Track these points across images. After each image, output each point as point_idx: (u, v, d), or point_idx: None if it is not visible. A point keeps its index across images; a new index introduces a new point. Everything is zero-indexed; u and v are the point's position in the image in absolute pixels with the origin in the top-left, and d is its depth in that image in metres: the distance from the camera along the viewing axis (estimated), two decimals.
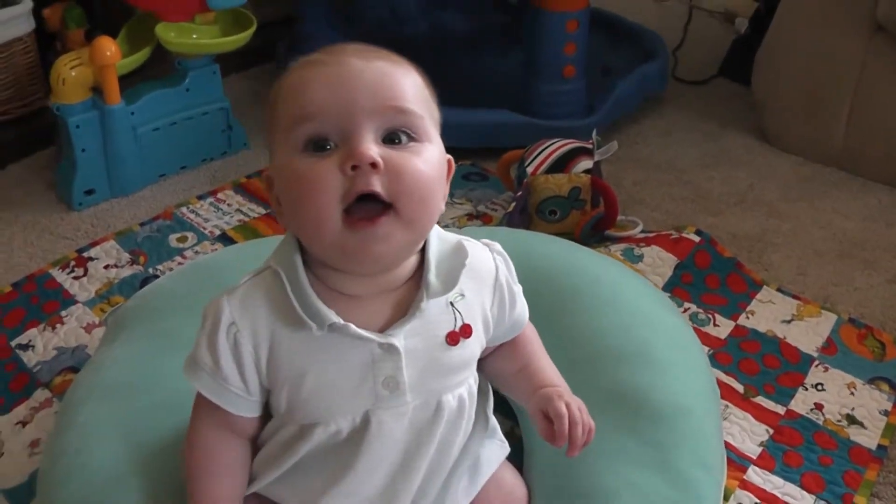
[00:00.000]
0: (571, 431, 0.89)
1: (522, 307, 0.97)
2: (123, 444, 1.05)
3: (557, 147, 1.67)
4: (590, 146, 1.67)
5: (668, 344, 1.19)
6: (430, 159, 0.83)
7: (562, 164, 1.64)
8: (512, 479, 1.05)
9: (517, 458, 1.08)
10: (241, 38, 1.84)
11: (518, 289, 0.95)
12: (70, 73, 1.73)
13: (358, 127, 0.80)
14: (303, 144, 0.81)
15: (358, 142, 0.79)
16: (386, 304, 0.86)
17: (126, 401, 1.11)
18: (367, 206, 0.80)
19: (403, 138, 0.82)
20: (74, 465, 1.04)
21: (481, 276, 0.92)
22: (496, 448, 1.02)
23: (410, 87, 0.83)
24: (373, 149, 0.79)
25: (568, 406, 0.89)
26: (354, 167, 0.78)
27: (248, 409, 0.89)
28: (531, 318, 1.00)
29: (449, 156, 0.88)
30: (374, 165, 0.78)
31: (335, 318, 0.83)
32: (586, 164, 1.64)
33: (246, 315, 0.85)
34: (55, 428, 1.14)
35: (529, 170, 1.64)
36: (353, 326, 0.84)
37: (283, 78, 0.86)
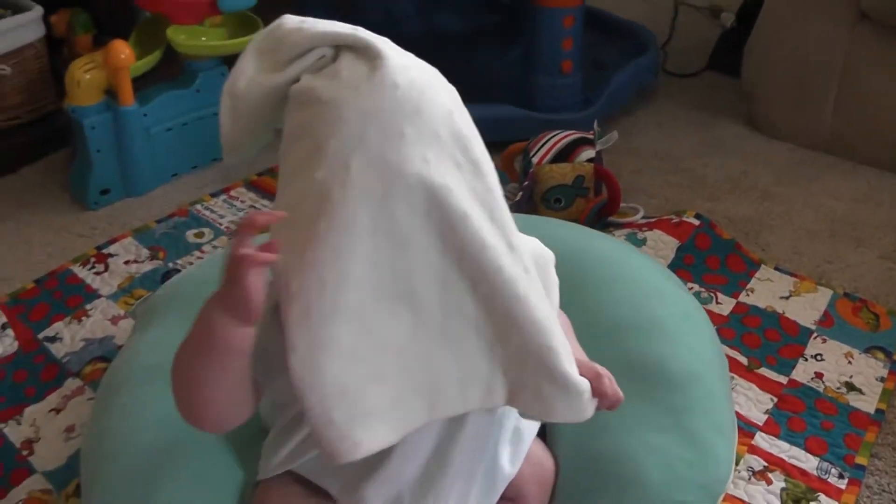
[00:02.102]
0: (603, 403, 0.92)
1: (556, 297, 0.98)
2: (162, 422, 1.09)
3: (560, 138, 1.73)
4: (591, 136, 1.74)
5: (677, 316, 1.26)
6: None
7: (565, 155, 1.71)
8: (540, 451, 1.10)
9: (541, 432, 1.14)
10: (249, 40, 1.89)
11: (554, 280, 0.98)
12: (85, 77, 1.78)
13: None
14: None
15: None
16: None
17: (162, 382, 1.15)
18: None
19: None
20: (118, 443, 1.09)
21: None
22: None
23: None
24: None
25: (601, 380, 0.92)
26: None
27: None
28: None
29: None
30: None
31: None
32: (589, 153, 1.70)
33: None
34: (96, 410, 1.19)
35: (534, 160, 1.71)
36: None
37: None
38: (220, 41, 1.90)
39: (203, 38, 1.89)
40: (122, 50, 1.78)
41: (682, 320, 1.26)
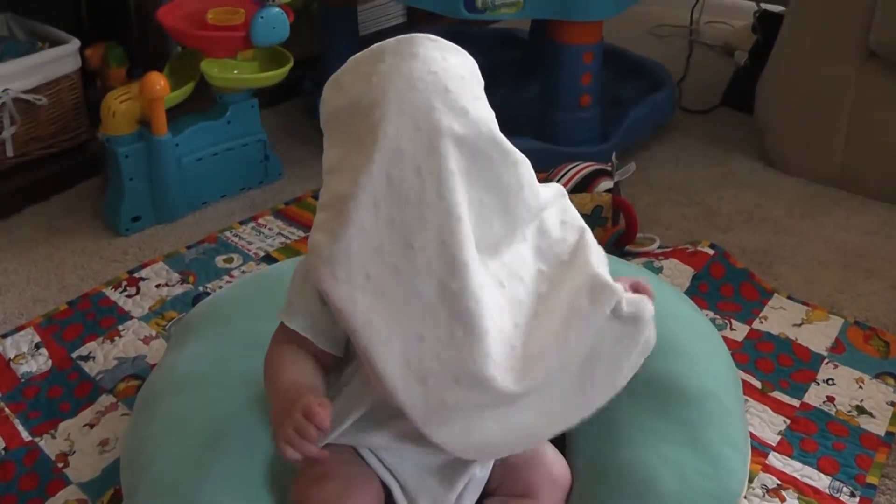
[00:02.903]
0: None
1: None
2: (202, 429, 1.15)
3: (579, 169, 1.79)
4: (609, 168, 1.79)
5: (693, 336, 1.31)
6: None
7: (584, 185, 1.76)
8: (554, 456, 1.14)
9: (559, 440, 1.18)
10: (280, 73, 1.96)
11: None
12: (120, 107, 1.84)
13: None
14: None
15: None
16: None
17: (200, 392, 1.22)
18: None
19: None
20: (160, 450, 1.14)
21: None
22: None
23: None
24: None
25: None
26: None
27: (333, 346, 1.02)
28: None
29: None
30: None
31: None
32: (607, 184, 1.76)
33: None
34: (135, 420, 1.24)
35: None
36: None
37: None
38: (251, 74, 1.97)
39: (235, 72, 1.96)
40: (158, 81, 1.84)
41: (697, 341, 1.30)
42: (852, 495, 1.27)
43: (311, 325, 1.01)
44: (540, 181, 1.81)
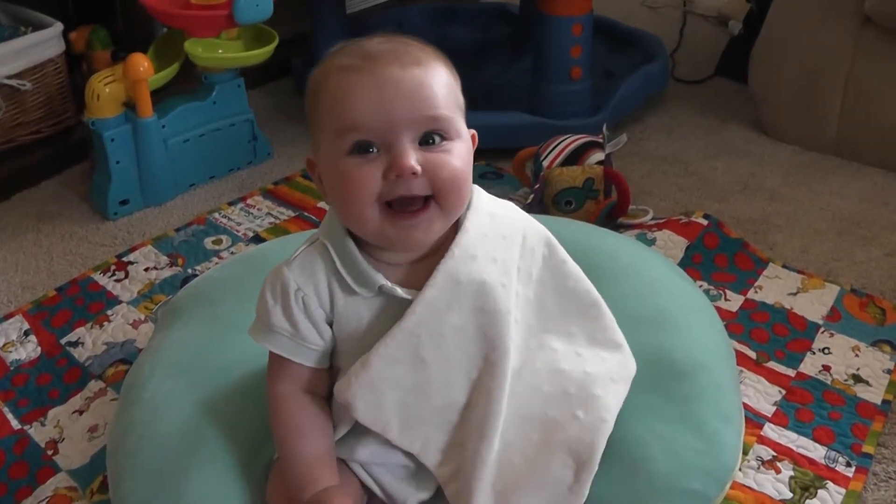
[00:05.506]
0: None
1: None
2: (188, 415, 1.13)
3: (570, 142, 1.77)
4: (600, 140, 1.77)
5: (685, 308, 1.29)
6: (461, 154, 0.93)
7: (575, 158, 1.74)
8: None
9: None
10: (265, 52, 1.94)
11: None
12: (104, 90, 1.82)
13: (399, 137, 0.90)
14: (349, 149, 0.91)
15: (400, 153, 0.89)
16: (430, 266, 0.96)
17: (187, 376, 1.20)
18: (408, 201, 0.91)
19: (437, 139, 0.92)
20: (145, 437, 1.12)
21: None
22: None
23: (442, 92, 0.92)
24: (413, 158, 0.89)
25: None
26: (398, 175, 0.89)
27: (322, 361, 0.99)
28: None
29: (472, 130, 0.99)
30: (414, 174, 0.89)
31: (383, 280, 0.94)
32: (598, 156, 1.74)
33: (308, 281, 0.96)
34: (121, 406, 1.22)
35: (545, 164, 1.74)
36: (399, 289, 0.95)
37: (321, 78, 0.95)
38: (236, 53, 1.95)
39: (220, 51, 1.94)
40: (141, 62, 1.82)
41: (689, 312, 1.28)
42: (848, 465, 1.26)
43: (295, 346, 0.98)
44: (531, 155, 1.82)
